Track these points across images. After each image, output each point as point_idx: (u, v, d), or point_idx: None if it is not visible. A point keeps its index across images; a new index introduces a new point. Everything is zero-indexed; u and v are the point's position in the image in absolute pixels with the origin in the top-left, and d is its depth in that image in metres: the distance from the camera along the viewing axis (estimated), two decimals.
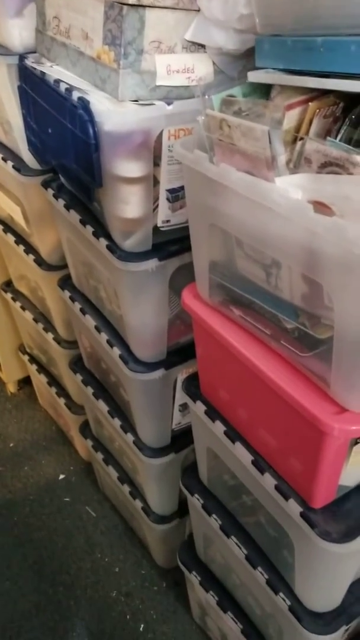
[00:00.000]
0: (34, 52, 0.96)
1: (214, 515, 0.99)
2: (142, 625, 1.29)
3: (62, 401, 1.51)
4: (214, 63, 0.80)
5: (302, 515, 0.76)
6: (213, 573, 1.14)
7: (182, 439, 1.14)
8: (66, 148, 0.82)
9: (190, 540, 1.18)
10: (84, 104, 0.75)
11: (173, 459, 1.13)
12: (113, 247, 0.88)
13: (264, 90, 0.71)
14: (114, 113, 0.75)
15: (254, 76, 0.68)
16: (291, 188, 0.60)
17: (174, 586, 1.36)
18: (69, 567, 1.40)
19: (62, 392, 1.52)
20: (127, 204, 0.83)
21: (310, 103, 0.62)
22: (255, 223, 0.65)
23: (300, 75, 0.64)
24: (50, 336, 1.39)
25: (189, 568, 1.15)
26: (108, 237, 0.90)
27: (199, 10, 0.74)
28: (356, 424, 0.65)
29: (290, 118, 0.63)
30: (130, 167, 0.80)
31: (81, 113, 0.75)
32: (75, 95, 0.77)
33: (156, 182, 0.84)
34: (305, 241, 0.59)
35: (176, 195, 0.86)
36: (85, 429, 1.44)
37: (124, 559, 1.41)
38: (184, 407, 1.10)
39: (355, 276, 0.56)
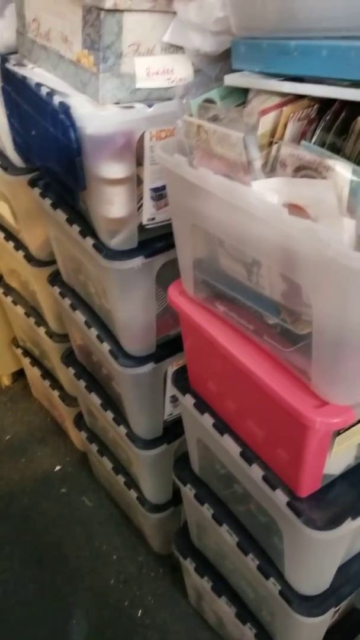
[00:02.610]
0: (17, 52, 0.97)
1: (206, 505, 1.02)
2: (140, 611, 1.32)
3: (56, 393, 1.53)
4: (193, 64, 0.81)
5: (288, 504, 0.79)
6: (207, 559, 1.17)
7: (174, 429, 1.16)
8: (49, 151, 0.83)
9: (185, 528, 1.21)
10: (65, 108, 0.76)
11: (165, 450, 1.15)
12: (99, 246, 0.90)
13: (242, 93, 0.72)
14: (95, 117, 0.76)
15: (229, 79, 0.69)
16: (267, 191, 0.61)
17: (171, 572, 1.39)
18: (68, 557, 1.43)
19: (56, 384, 1.54)
20: (112, 204, 0.85)
21: (284, 108, 0.63)
22: (235, 224, 0.66)
23: (276, 78, 0.66)
24: (42, 330, 1.41)
25: (184, 555, 1.18)
26: (94, 235, 0.91)
27: (176, 13, 0.75)
28: (337, 416, 0.68)
29: (265, 122, 0.64)
30: (113, 169, 0.81)
31: (62, 118, 0.76)
32: (56, 99, 0.78)
33: (140, 181, 0.86)
34: (282, 242, 0.60)
35: (160, 193, 0.87)
36: (79, 421, 1.47)
37: (121, 546, 1.44)
38: (175, 398, 1.12)
39: (329, 276, 0.57)
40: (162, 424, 1.15)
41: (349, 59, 0.56)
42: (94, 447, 1.39)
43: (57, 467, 1.63)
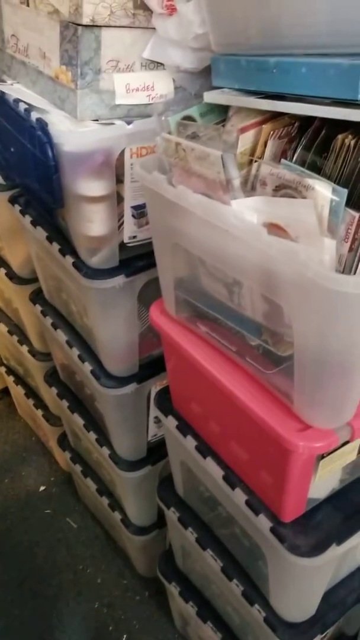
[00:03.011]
0: None
1: (189, 528, 1.00)
2: (124, 636, 1.29)
3: (39, 413, 1.50)
4: (174, 80, 0.80)
5: (272, 530, 0.76)
6: (193, 583, 1.15)
7: (158, 450, 1.14)
8: (27, 168, 0.82)
9: (170, 551, 1.18)
10: (42, 125, 0.75)
11: (150, 471, 1.13)
12: (79, 265, 0.88)
13: (222, 110, 0.71)
14: (73, 134, 0.75)
15: (208, 96, 0.68)
16: (246, 211, 0.60)
17: (156, 595, 1.36)
18: (51, 580, 1.40)
19: (40, 403, 1.52)
20: (92, 222, 0.83)
21: (263, 125, 0.62)
22: (214, 244, 0.65)
23: (255, 95, 0.64)
24: (25, 349, 1.39)
25: (168, 579, 1.15)
26: (74, 254, 0.90)
27: (155, 29, 0.74)
28: (320, 440, 0.66)
29: (245, 140, 0.63)
30: (92, 186, 0.80)
31: (39, 134, 0.74)
32: (34, 116, 0.77)
33: (121, 198, 0.84)
34: (261, 263, 0.59)
35: (141, 211, 0.86)
36: (63, 441, 1.44)
37: (105, 569, 1.41)
38: (159, 419, 1.10)
39: (309, 298, 0.56)
40: (146, 444, 1.12)
41: (328, 76, 0.55)
42: (77, 468, 1.36)
43: (42, 488, 1.60)
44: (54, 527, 1.50)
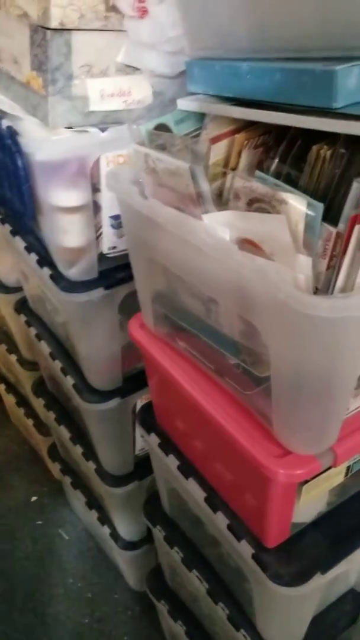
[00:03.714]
0: None
1: (175, 548, 0.96)
2: None
3: (30, 422, 1.47)
4: (152, 85, 0.76)
5: (254, 557, 0.73)
6: (182, 601, 1.11)
7: (146, 464, 1.10)
8: (0, 177, 0.79)
9: (159, 567, 1.15)
10: (12, 133, 0.71)
11: (137, 486, 1.09)
12: (57, 277, 0.84)
13: (199, 117, 0.68)
14: (44, 142, 0.72)
15: (182, 104, 0.64)
16: (219, 226, 0.56)
17: (148, 610, 1.33)
18: (41, 594, 1.37)
19: (31, 412, 1.49)
20: (68, 233, 0.80)
21: (236, 135, 0.58)
22: (188, 260, 0.61)
23: (230, 102, 0.61)
24: (13, 358, 1.36)
25: (157, 596, 1.12)
26: (53, 265, 0.86)
27: None
28: (300, 467, 0.62)
29: (218, 150, 0.60)
30: (66, 197, 0.76)
31: (9, 143, 0.71)
32: (4, 123, 0.73)
33: (98, 208, 0.81)
34: (234, 281, 0.55)
35: (121, 221, 0.82)
36: (53, 452, 1.41)
37: (96, 583, 1.38)
38: None
39: (283, 320, 0.52)
40: (133, 459, 1.09)
41: (302, 83, 0.51)
42: (67, 479, 1.34)
43: (34, 498, 1.57)
44: (45, 540, 1.47)
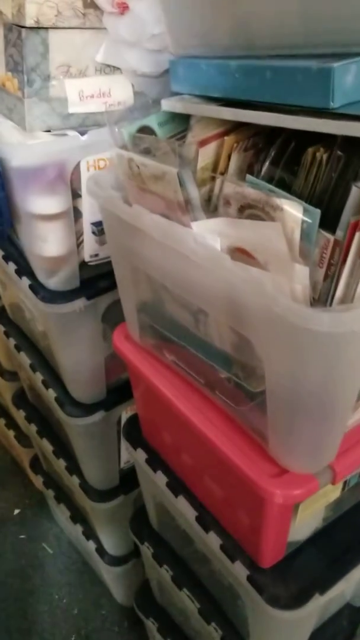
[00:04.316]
0: None
1: (165, 566, 0.93)
2: None
3: (11, 433, 1.43)
4: (133, 85, 0.73)
5: (249, 579, 0.70)
6: (172, 618, 1.08)
7: (132, 478, 1.06)
8: None
9: (147, 583, 1.11)
10: None
11: (123, 501, 1.06)
12: (36, 287, 0.80)
13: (184, 118, 0.64)
14: (20, 147, 0.68)
15: (166, 104, 0.60)
16: (209, 234, 0.53)
17: (136, 625, 1.29)
18: (25, 611, 1.32)
19: (12, 423, 1.44)
20: (47, 242, 0.76)
21: (225, 137, 0.55)
22: (176, 270, 0.58)
23: (217, 103, 0.57)
24: None
25: (146, 614, 1.08)
26: (32, 275, 0.82)
27: None
28: (297, 487, 0.59)
29: (206, 154, 0.56)
30: (45, 204, 0.72)
31: None
32: None
33: (79, 214, 0.77)
34: (226, 293, 0.52)
35: (102, 228, 0.78)
36: (35, 463, 1.36)
37: (83, 598, 1.34)
38: None
39: (279, 333, 0.49)
40: (119, 472, 1.05)
41: (295, 81, 0.48)
42: (50, 493, 1.29)
43: (16, 511, 1.52)
44: (29, 554, 1.43)
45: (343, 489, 0.71)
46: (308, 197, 0.52)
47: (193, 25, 0.60)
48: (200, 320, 0.64)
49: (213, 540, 0.74)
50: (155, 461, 0.83)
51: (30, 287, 0.81)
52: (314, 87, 0.46)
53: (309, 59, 0.49)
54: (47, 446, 1.13)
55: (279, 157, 0.54)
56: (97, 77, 0.70)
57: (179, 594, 0.90)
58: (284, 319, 0.46)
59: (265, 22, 0.55)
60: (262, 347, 0.53)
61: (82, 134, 0.70)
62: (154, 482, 0.83)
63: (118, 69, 0.71)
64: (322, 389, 0.51)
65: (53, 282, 0.80)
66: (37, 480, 1.47)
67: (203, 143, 0.55)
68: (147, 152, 0.57)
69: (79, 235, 0.78)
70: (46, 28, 0.64)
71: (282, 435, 0.58)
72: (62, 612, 1.32)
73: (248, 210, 0.53)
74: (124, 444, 1.01)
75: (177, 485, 0.79)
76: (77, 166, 0.72)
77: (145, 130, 0.64)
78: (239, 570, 0.70)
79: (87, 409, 0.92)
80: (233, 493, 0.70)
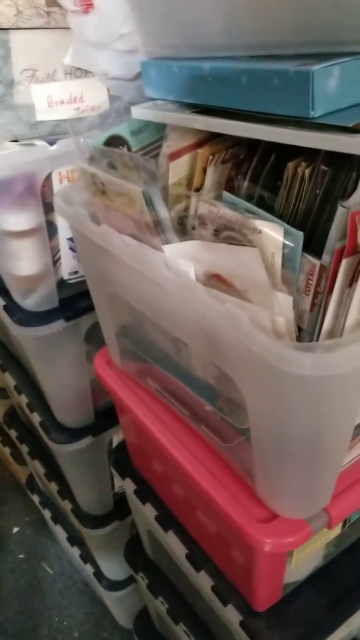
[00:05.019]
0: None
1: (160, 598, 0.87)
2: None
3: (7, 450, 1.38)
4: (108, 89, 0.67)
5: (242, 625, 0.64)
6: None
7: (127, 502, 1.01)
8: None
9: (147, 610, 1.06)
10: None
11: (118, 526, 1.00)
12: (11, 308, 0.75)
13: (159, 126, 0.58)
14: None
15: (137, 112, 0.54)
16: (182, 258, 0.47)
17: None
18: (24, 634, 1.27)
19: (8, 439, 1.39)
20: (19, 260, 0.71)
21: (199, 150, 0.49)
22: (150, 296, 0.52)
23: (192, 110, 0.51)
24: None
25: None
26: (7, 294, 0.77)
27: None
28: (289, 535, 0.53)
29: (179, 167, 0.50)
30: (15, 219, 0.67)
31: None
32: None
33: (55, 229, 0.71)
34: (201, 325, 0.46)
35: None
36: (32, 483, 1.32)
37: (83, 620, 1.29)
38: None
39: (259, 374, 0.43)
40: (112, 497, 1.00)
41: (272, 87, 0.42)
42: (47, 513, 1.24)
43: (15, 529, 1.47)
44: (28, 574, 1.38)
45: (343, 526, 0.65)
46: (290, 217, 0.46)
47: (166, 23, 0.54)
48: (181, 349, 0.58)
49: (204, 580, 0.68)
50: (145, 492, 0.77)
51: (5, 308, 0.75)
52: (293, 93, 0.40)
53: (290, 61, 0.43)
54: (39, 468, 1.08)
55: (259, 172, 0.47)
56: (67, 82, 0.64)
57: (175, 627, 0.85)
58: (262, 359, 0.40)
59: (249, 19, 0.49)
60: (243, 385, 0.47)
61: (52, 143, 0.64)
62: (143, 514, 0.78)
63: (91, 72, 0.65)
64: (309, 432, 0.45)
65: (29, 303, 0.75)
66: (35, 499, 1.42)
67: (174, 156, 0.49)
68: (112, 166, 0.51)
69: (55, 251, 0.73)
70: (6, 29, 0.59)
71: (270, 478, 0.52)
72: (62, 636, 1.27)
73: (225, 232, 0.46)
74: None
75: (167, 519, 0.74)
76: (49, 178, 0.66)
77: (116, 139, 0.58)
78: (232, 615, 0.65)
79: (74, 434, 0.86)
80: (224, 532, 0.64)
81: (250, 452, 0.53)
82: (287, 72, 0.40)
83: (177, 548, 0.72)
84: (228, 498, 0.56)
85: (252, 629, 0.63)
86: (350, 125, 0.37)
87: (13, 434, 1.15)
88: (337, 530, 0.65)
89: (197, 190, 0.51)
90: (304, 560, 0.64)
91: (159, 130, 0.59)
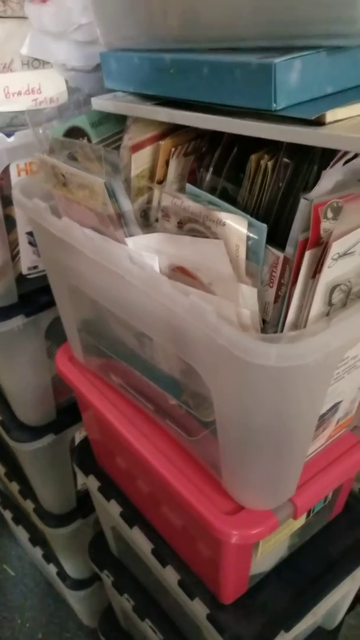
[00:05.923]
0: None
1: (125, 595, 0.87)
2: None
3: None
4: (66, 80, 0.66)
5: (209, 617, 0.64)
6: None
7: (90, 500, 1.00)
8: None
9: (111, 608, 1.05)
10: None
11: (81, 525, 0.99)
12: None
13: (119, 118, 0.57)
14: None
15: (97, 103, 0.54)
16: (146, 251, 0.47)
17: None
18: None
19: None
20: None
21: (161, 141, 0.48)
22: (113, 289, 0.51)
23: (153, 102, 0.51)
24: None
25: None
26: None
27: None
28: (255, 526, 0.53)
29: (141, 159, 0.50)
30: None
31: None
32: None
33: (13, 223, 0.70)
34: (166, 318, 0.46)
35: None
36: None
37: (47, 622, 1.27)
38: None
39: (225, 366, 0.43)
40: (75, 494, 0.99)
41: (234, 79, 0.41)
42: (8, 514, 1.22)
43: None
44: None
45: (308, 516, 0.66)
46: (254, 210, 0.46)
47: (123, 13, 0.54)
48: (145, 344, 0.58)
49: (170, 575, 0.68)
50: (109, 489, 0.77)
51: None
52: (255, 85, 0.40)
53: (252, 53, 0.42)
54: None
55: (222, 164, 0.47)
56: (24, 72, 0.63)
57: (141, 624, 0.85)
58: (228, 351, 0.40)
59: (209, 10, 0.48)
60: (208, 377, 0.47)
61: (9, 135, 0.63)
62: (107, 511, 0.77)
63: (49, 62, 0.64)
64: (275, 422, 0.46)
65: None
66: None
67: (136, 148, 0.49)
68: (73, 158, 0.50)
69: (14, 246, 0.71)
70: None
71: (236, 470, 0.52)
72: (25, 638, 1.25)
73: (188, 225, 0.46)
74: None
75: (132, 515, 0.74)
76: (7, 170, 0.65)
77: (76, 131, 0.57)
78: (198, 608, 0.65)
79: (35, 433, 0.85)
80: (190, 526, 0.64)
81: (216, 445, 0.53)
82: (250, 65, 0.40)
83: (142, 544, 0.71)
84: (194, 491, 0.56)
85: (219, 621, 0.64)
86: (312, 118, 0.38)
87: None
88: (301, 521, 0.66)
89: (160, 182, 0.51)
90: (270, 551, 0.64)
91: (119, 122, 0.59)
